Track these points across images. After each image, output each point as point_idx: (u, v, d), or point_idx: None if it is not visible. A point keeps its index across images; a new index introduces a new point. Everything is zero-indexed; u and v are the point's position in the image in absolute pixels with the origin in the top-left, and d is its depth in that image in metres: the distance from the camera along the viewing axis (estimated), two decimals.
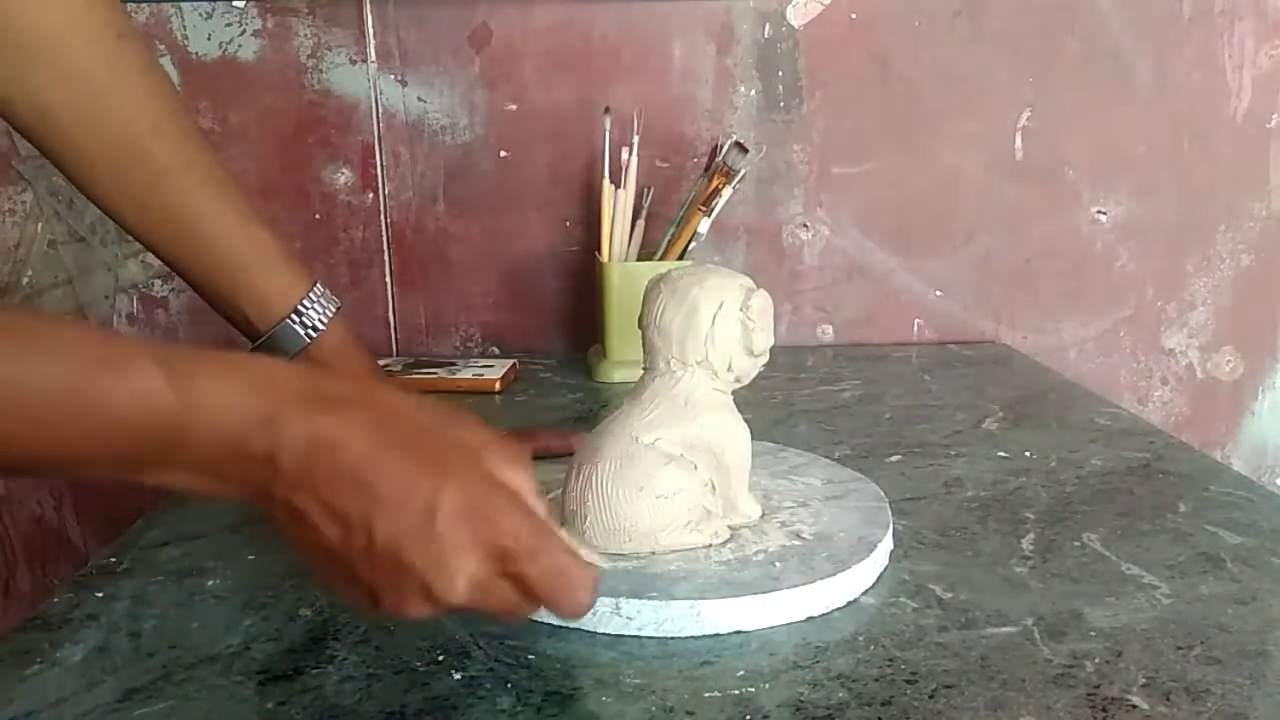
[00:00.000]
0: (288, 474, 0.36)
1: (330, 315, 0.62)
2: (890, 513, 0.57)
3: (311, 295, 0.61)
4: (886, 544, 0.54)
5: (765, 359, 0.55)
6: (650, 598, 0.47)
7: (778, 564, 0.51)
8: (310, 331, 0.61)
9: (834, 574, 0.50)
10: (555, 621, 0.48)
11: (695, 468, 0.53)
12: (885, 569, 0.54)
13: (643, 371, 0.55)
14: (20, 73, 0.53)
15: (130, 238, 0.60)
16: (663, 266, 0.89)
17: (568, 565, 0.39)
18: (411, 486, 0.36)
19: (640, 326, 0.55)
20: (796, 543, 0.53)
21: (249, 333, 0.62)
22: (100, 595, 0.52)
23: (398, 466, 0.37)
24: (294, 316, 0.60)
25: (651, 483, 0.51)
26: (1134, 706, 0.41)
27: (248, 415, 0.35)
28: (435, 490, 0.37)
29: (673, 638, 0.47)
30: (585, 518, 0.52)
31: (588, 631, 0.48)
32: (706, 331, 0.52)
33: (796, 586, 0.48)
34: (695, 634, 0.47)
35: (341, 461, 0.36)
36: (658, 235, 0.95)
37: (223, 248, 0.58)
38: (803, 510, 0.57)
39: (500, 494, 0.39)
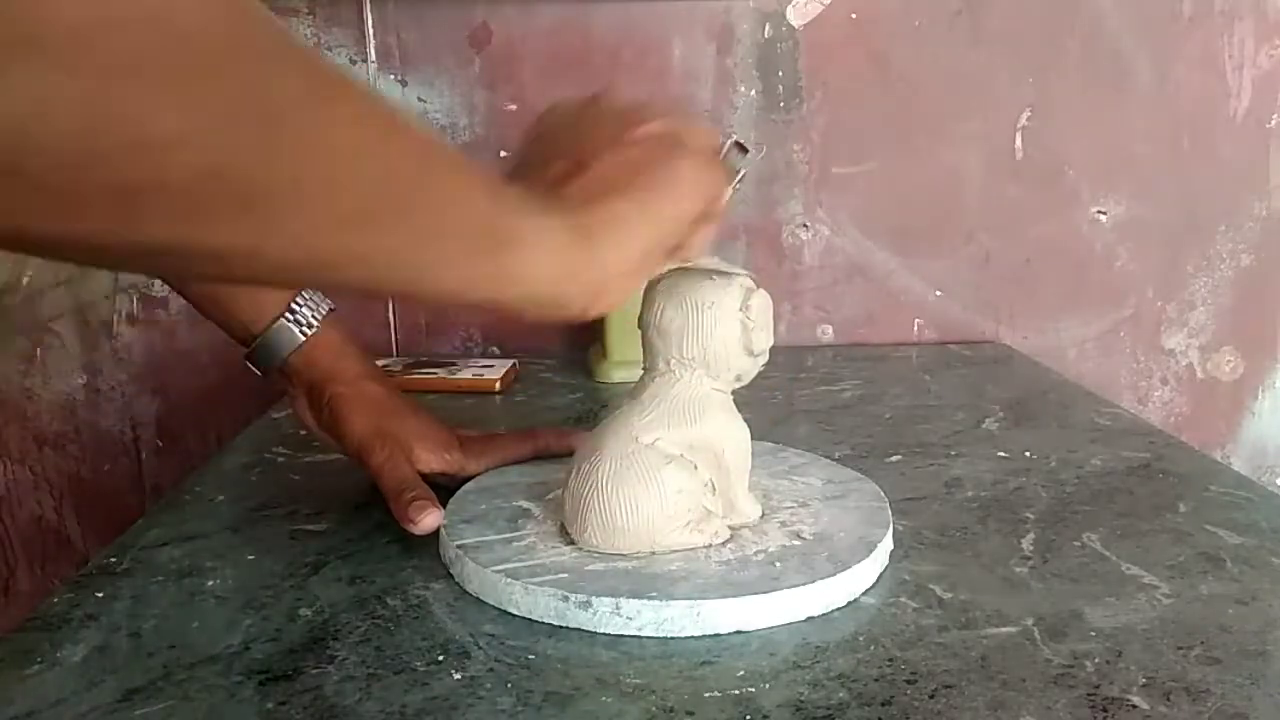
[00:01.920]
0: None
1: (323, 314, 0.62)
2: (890, 513, 0.57)
3: (304, 294, 0.62)
4: (886, 544, 0.54)
5: (765, 359, 0.55)
6: (650, 598, 0.47)
7: (778, 564, 0.51)
8: (304, 329, 0.61)
9: (834, 574, 0.50)
10: (555, 621, 0.48)
11: (695, 468, 0.53)
12: (885, 569, 0.54)
13: (642, 371, 0.55)
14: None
15: None
16: (663, 266, 0.89)
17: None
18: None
19: (640, 326, 0.55)
20: (796, 543, 0.53)
21: (242, 334, 0.62)
22: (100, 595, 0.52)
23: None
24: (287, 315, 0.61)
25: (651, 483, 0.51)
26: (1134, 706, 0.41)
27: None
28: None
29: (673, 638, 0.47)
30: (585, 518, 0.52)
31: (588, 631, 0.48)
32: (706, 331, 0.52)
33: (796, 586, 0.48)
34: (695, 634, 0.47)
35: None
36: None
37: None
38: (803, 510, 0.57)
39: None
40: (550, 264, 0.38)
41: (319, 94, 0.28)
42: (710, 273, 0.54)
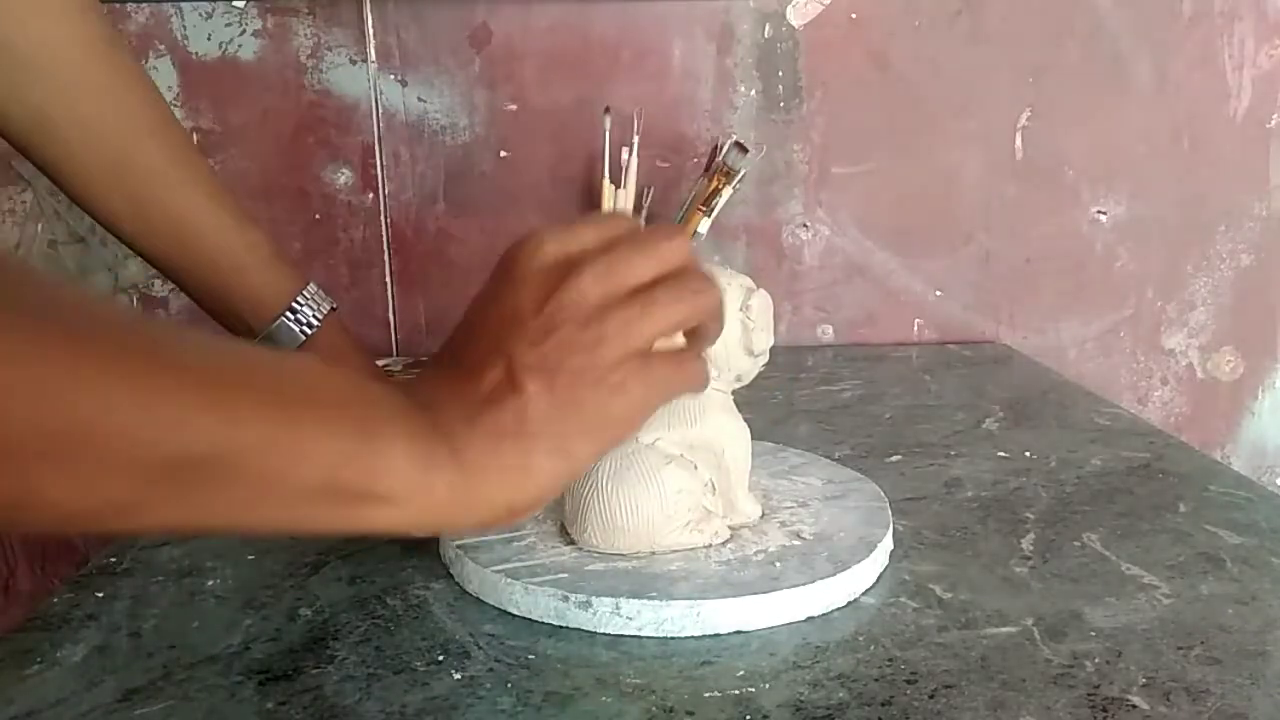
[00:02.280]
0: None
1: (324, 313, 0.62)
2: (890, 513, 0.57)
3: (306, 293, 0.61)
4: (886, 544, 0.54)
5: (765, 359, 0.55)
6: (650, 598, 0.47)
7: (778, 564, 0.51)
8: (305, 328, 0.61)
9: (834, 574, 0.50)
10: (555, 621, 0.48)
11: (695, 468, 0.53)
12: (885, 569, 0.54)
13: None
14: (18, 85, 0.54)
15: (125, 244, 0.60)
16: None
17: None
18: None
19: None
20: (796, 543, 0.53)
21: (244, 333, 0.62)
22: (100, 595, 0.52)
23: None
24: (289, 314, 0.60)
25: (652, 483, 0.51)
26: (1134, 706, 0.41)
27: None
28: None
29: (673, 638, 0.47)
30: (585, 518, 0.52)
31: (588, 631, 0.48)
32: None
33: (796, 586, 0.48)
34: (695, 634, 0.47)
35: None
36: None
37: (217, 249, 0.59)
38: (803, 510, 0.57)
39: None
40: (421, 512, 0.34)
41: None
42: (709, 272, 0.54)
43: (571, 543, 0.53)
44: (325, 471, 0.31)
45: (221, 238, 0.59)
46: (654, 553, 0.52)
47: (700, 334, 0.42)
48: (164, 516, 0.29)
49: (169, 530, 0.32)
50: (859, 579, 0.51)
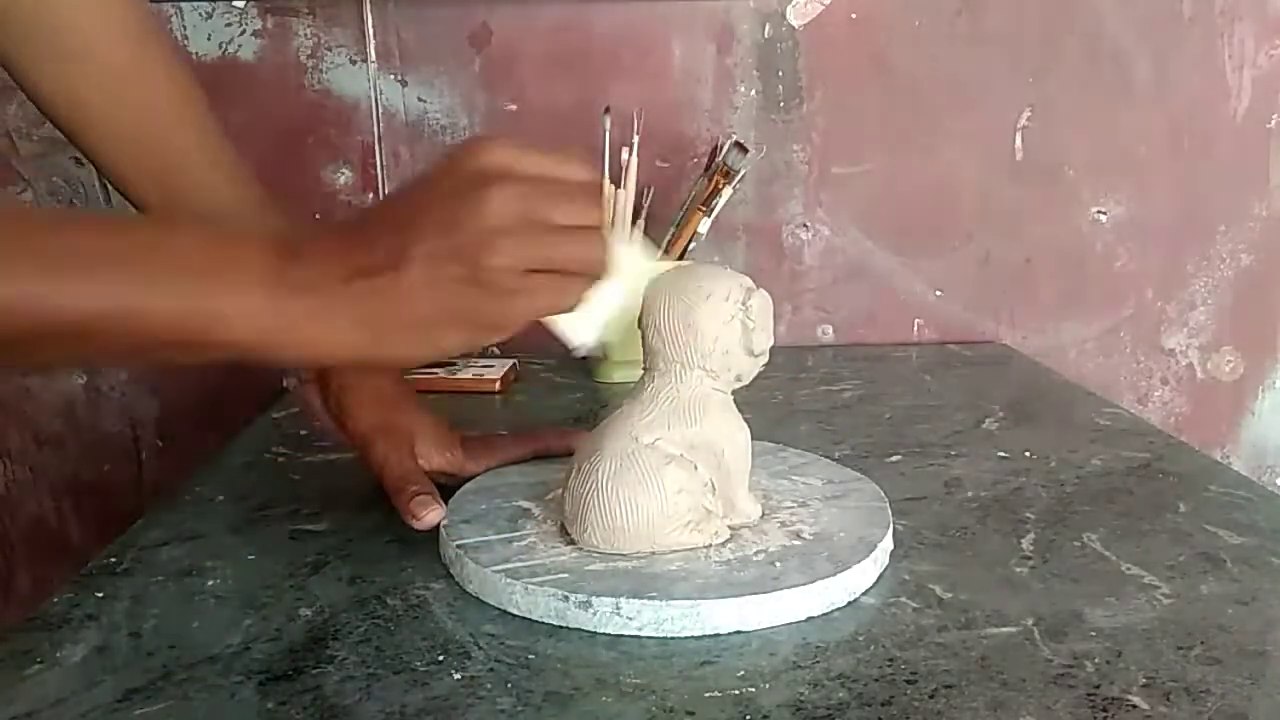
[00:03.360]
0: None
1: None
2: (890, 513, 0.57)
3: None
4: (886, 544, 0.54)
5: (765, 359, 0.55)
6: (650, 598, 0.47)
7: (778, 564, 0.51)
8: None
9: (834, 574, 0.50)
10: (555, 621, 0.48)
11: (695, 468, 0.53)
12: (885, 569, 0.54)
13: (642, 372, 0.55)
14: (59, 70, 0.58)
15: None
16: (663, 267, 0.89)
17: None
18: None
19: (640, 327, 0.55)
20: (796, 543, 0.53)
21: None
22: (100, 595, 0.52)
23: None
24: None
25: (652, 483, 0.51)
26: (1134, 706, 0.41)
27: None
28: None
29: (673, 638, 0.47)
30: (585, 518, 0.52)
31: (588, 631, 0.48)
32: (706, 332, 0.52)
33: (796, 586, 0.48)
34: (695, 634, 0.47)
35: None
36: (658, 235, 0.95)
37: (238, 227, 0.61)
38: (803, 510, 0.57)
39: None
40: (267, 350, 0.40)
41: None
42: (710, 272, 0.54)
43: (571, 543, 0.53)
44: (164, 324, 0.38)
45: (240, 220, 0.61)
46: (654, 553, 0.52)
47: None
48: (42, 360, 0.39)
49: (50, 367, 0.42)
50: (859, 579, 0.51)
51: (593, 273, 0.44)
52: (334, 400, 0.62)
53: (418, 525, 0.55)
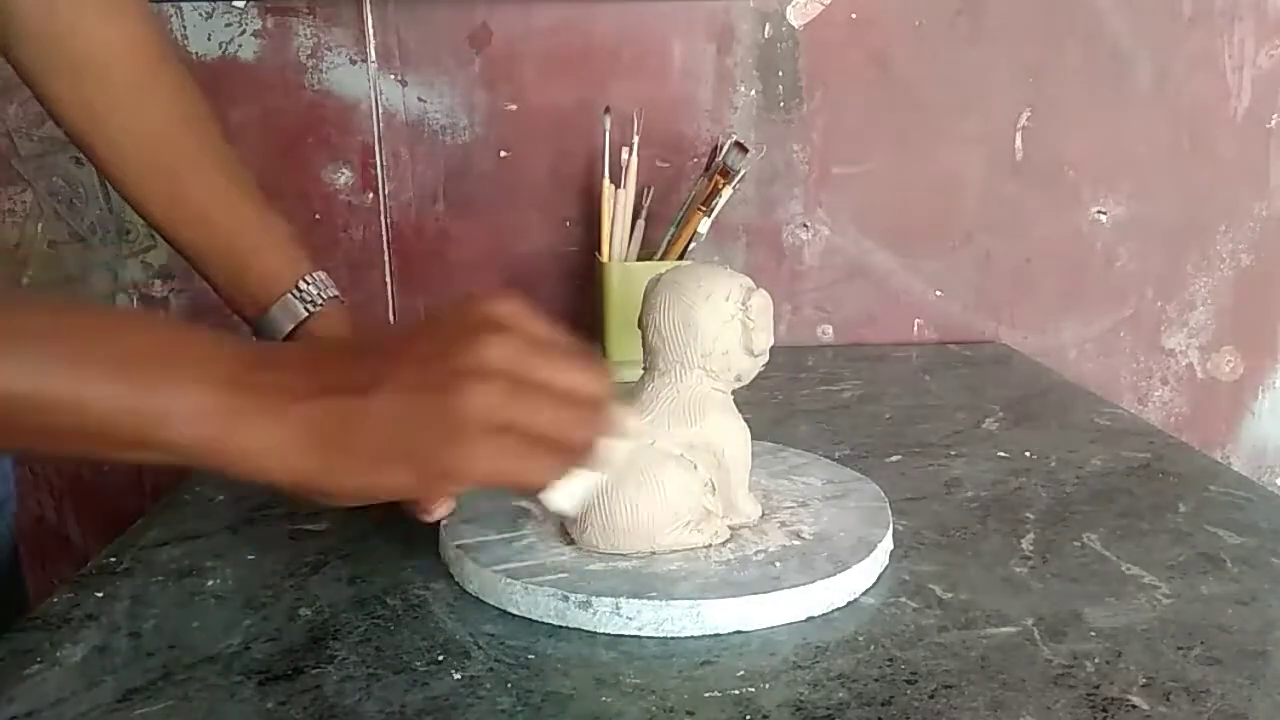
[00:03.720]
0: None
1: (328, 297, 0.63)
2: (890, 512, 0.57)
3: (312, 276, 0.63)
4: (886, 544, 0.54)
5: (765, 359, 0.55)
6: (650, 598, 0.47)
7: (778, 564, 0.51)
8: (308, 307, 0.62)
9: (834, 574, 0.50)
10: (555, 621, 0.48)
11: (695, 468, 0.53)
12: (885, 569, 0.54)
13: (642, 371, 0.55)
14: (75, 85, 0.60)
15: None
16: (663, 266, 0.89)
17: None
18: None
19: (640, 327, 0.55)
20: (796, 543, 0.53)
21: (251, 312, 0.63)
22: (100, 595, 0.52)
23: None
24: (294, 292, 0.62)
25: (652, 482, 0.51)
26: (1134, 706, 0.41)
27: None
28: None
29: (673, 638, 0.47)
30: (585, 517, 0.52)
31: (588, 631, 0.48)
32: (707, 332, 0.52)
33: (797, 586, 0.48)
34: (695, 634, 0.47)
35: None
36: (658, 235, 0.95)
37: (235, 233, 0.62)
38: (803, 510, 0.57)
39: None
40: (210, 457, 0.37)
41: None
42: (709, 272, 0.54)
43: (571, 543, 0.53)
44: (100, 414, 0.36)
45: (241, 222, 0.62)
46: (654, 553, 0.52)
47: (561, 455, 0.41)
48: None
49: None
50: (859, 579, 0.51)
51: (570, 453, 0.40)
52: None
53: (427, 518, 0.53)
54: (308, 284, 0.62)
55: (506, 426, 0.38)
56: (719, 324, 0.52)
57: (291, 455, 0.37)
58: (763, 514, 0.57)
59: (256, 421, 0.37)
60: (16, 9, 0.58)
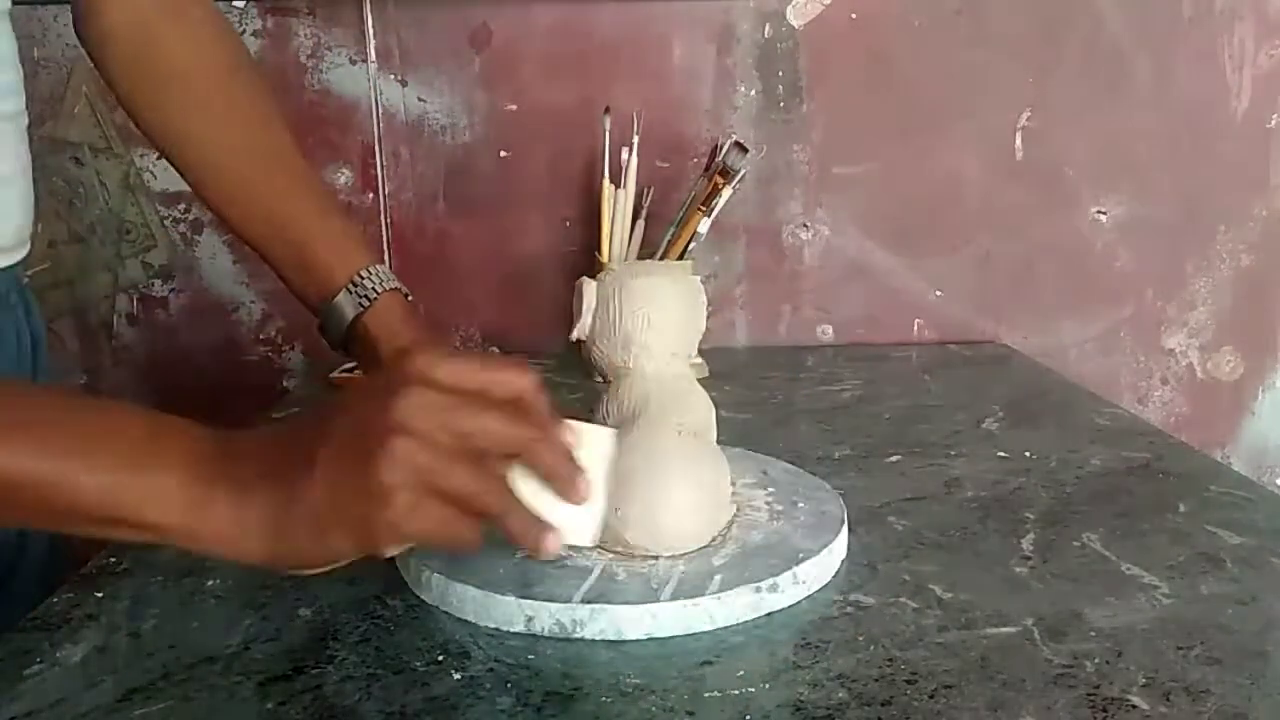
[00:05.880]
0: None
1: (385, 289, 0.65)
2: (843, 504, 0.58)
3: (369, 269, 0.65)
4: (844, 533, 0.55)
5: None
6: (648, 599, 0.47)
7: (772, 560, 0.51)
8: (363, 301, 0.64)
9: (824, 563, 0.50)
10: (554, 625, 0.48)
11: (705, 460, 0.54)
12: (884, 568, 0.54)
13: (627, 370, 0.56)
14: (159, 96, 0.65)
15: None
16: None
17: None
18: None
19: (612, 329, 0.56)
20: (775, 538, 0.53)
21: (317, 304, 0.65)
22: (100, 595, 0.52)
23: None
24: (350, 286, 0.64)
25: (703, 471, 0.52)
26: (1134, 706, 0.41)
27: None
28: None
29: (673, 638, 0.47)
30: (632, 512, 0.51)
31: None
32: (698, 318, 0.54)
33: (788, 580, 0.49)
34: (695, 634, 0.47)
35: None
36: (658, 235, 0.95)
37: (305, 232, 0.65)
38: (772, 508, 0.58)
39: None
40: (192, 541, 0.40)
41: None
42: (673, 267, 0.56)
43: (572, 545, 0.53)
44: (91, 498, 0.39)
45: (304, 220, 0.65)
46: (658, 558, 0.52)
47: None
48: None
49: None
50: (826, 568, 0.52)
51: (489, 511, 0.40)
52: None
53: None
54: (363, 278, 0.64)
55: (429, 485, 0.38)
56: (701, 310, 0.55)
57: (253, 538, 0.40)
58: (736, 512, 0.57)
59: (220, 512, 0.40)
60: (110, 30, 0.63)
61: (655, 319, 0.54)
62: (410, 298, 0.67)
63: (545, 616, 0.47)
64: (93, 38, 0.64)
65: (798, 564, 0.50)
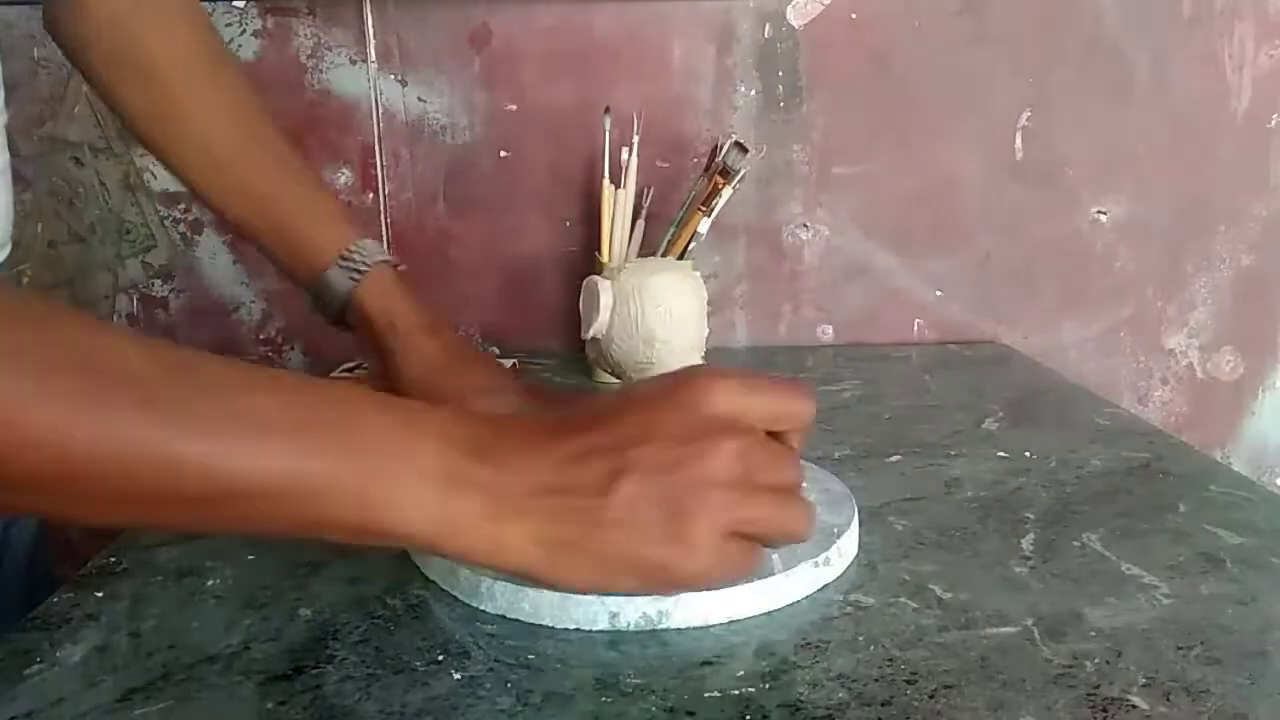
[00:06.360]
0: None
1: (373, 262, 0.65)
2: (853, 496, 0.58)
3: (356, 244, 0.65)
4: (854, 530, 0.55)
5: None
6: (649, 597, 0.47)
7: (774, 555, 0.51)
8: (353, 273, 0.64)
9: (828, 559, 0.50)
10: (555, 621, 0.48)
11: None
12: (884, 567, 0.54)
13: (647, 368, 0.56)
14: (142, 92, 0.65)
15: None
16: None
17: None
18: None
19: (630, 331, 0.55)
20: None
21: (308, 284, 0.66)
22: (100, 595, 0.52)
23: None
24: (340, 260, 0.65)
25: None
26: (1134, 706, 0.41)
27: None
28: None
29: (673, 638, 0.47)
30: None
31: (587, 632, 0.48)
32: (704, 314, 0.54)
33: (789, 575, 0.49)
34: (695, 633, 0.47)
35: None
36: (658, 235, 0.95)
37: (287, 212, 0.66)
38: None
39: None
40: (440, 545, 0.39)
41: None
42: (680, 265, 0.55)
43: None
44: (337, 503, 0.36)
45: (290, 202, 0.66)
46: None
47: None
48: (183, 526, 0.38)
49: (179, 529, 0.43)
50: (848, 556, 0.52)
51: (788, 541, 0.43)
52: (391, 371, 0.64)
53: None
54: (352, 251, 0.65)
55: (735, 529, 0.40)
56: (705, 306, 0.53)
57: (513, 554, 0.39)
58: None
59: (476, 526, 0.38)
60: (90, 28, 0.64)
61: (678, 313, 0.54)
62: (401, 268, 0.68)
63: (631, 611, 0.47)
64: (72, 35, 0.65)
65: (837, 537, 0.52)
